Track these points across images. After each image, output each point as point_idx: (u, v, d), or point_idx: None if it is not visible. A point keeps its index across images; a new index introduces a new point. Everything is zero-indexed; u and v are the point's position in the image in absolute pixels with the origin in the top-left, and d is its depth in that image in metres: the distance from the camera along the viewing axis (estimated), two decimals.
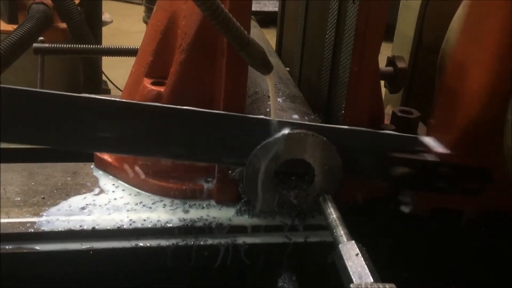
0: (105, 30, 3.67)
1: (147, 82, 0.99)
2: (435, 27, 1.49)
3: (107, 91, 3.87)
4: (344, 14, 0.94)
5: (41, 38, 1.65)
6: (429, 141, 0.95)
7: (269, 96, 1.03)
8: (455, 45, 0.95)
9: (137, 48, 1.67)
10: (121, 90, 4.09)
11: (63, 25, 3.12)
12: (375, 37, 0.89)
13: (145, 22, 4.41)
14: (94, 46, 1.66)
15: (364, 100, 0.93)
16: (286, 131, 0.89)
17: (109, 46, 1.57)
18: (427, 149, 0.93)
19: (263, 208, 0.94)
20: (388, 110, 1.67)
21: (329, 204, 0.90)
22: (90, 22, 3.21)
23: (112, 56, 1.63)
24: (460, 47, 0.93)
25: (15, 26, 3.07)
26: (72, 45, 1.53)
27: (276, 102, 1.00)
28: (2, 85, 0.83)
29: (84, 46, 1.55)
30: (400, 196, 0.96)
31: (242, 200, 0.96)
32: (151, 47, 1.01)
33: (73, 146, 0.90)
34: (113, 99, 0.88)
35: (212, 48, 0.91)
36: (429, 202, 0.96)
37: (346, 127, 0.91)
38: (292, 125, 0.90)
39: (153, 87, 0.97)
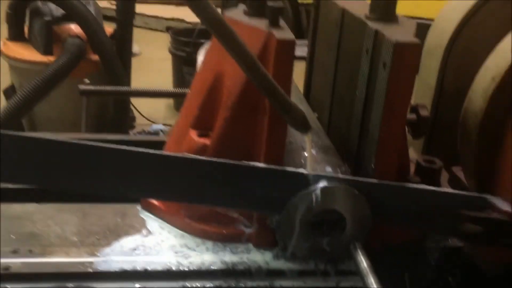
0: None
1: (193, 134, 1.09)
2: (456, 78, 1.57)
3: (133, 119, 4.01)
4: (374, 77, 1.03)
5: (87, 80, 1.77)
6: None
7: (303, 147, 1.12)
8: None
9: (171, 90, 1.79)
10: (144, 117, 4.22)
11: (96, 57, 3.28)
12: (404, 100, 0.98)
13: (171, 52, 4.57)
14: (134, 89, 1.78)
15: (393, 156, 1.02)
16: (321, 184, 0.98)
17: (147, 89, 1.69)
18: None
19: (297, 253, 1.02)
20: (411, 153, 1.76)
21: (359, 252, 0.98)
22: (121, 54, 3.36)
23: (148, 98, 1.75)
24: None
25: (50, 57, 3.24)
26: (115, 88, 1.65)
27: (312, 155, 1.08)
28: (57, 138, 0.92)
29: (125, 88, 1.67)
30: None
31: (279, 246, 1.04)
32: (197, 101, 1.11)
33: (125, 194, 1.00)
34: (162, 152, 0.98)
35: (255, 107, 1.01)
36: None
37: (376, 181, 1.00)
38: (326, 178, 0.99)
39: (200, 139, 1.07)
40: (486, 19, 1.57)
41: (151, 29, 7.13)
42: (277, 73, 0.93)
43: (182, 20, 6.86)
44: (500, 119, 1.03)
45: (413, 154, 1.75)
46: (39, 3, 3.27)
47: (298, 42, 1.99)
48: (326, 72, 1.39)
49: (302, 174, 0.98)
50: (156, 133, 3.81)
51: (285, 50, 0.93)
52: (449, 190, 1.00)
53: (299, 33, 6.06)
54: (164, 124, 4.04)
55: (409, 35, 1.00)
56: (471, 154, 1.11)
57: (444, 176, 1.43)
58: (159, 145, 1.33)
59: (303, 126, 0.93)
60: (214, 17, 0.76)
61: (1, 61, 3.47)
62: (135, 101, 3.94)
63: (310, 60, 1.68)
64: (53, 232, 1.06)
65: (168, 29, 6.93)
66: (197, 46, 4.23)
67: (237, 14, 1.07)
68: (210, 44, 1.17)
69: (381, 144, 1.00)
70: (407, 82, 0.97)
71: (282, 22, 1.01)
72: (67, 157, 0.92)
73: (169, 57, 4.67)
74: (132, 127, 3.96)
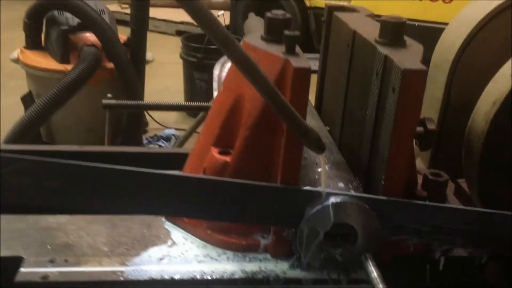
0: None
1: (214, 151, 1.17)
2: (462, 92, 1.64)
3: (146, 123, 4.11)
4: (384, 99, 1.11)
5: (109, 95, 1.85)
6: None
7: (316, 163, 1.20)
8: None
9: (191, 104, 1.87)
10: (156, 122, 4.29)
11: (110, 65, 3.37)
12: (412, 122, 1.05)
13: (182, 58, 4.66)
14: (154, 103, 1.86)
15: (402, 174, 1.09)
16: (334, 200, 1.06)
17: (167, 103, 1.77)
18: None
19: (312, 263, 1.10)
20: (418, 164, 1.82)
21: (370, 263, 1.06)
22: (135, 61, 3.45)
23: (168, 111, 1.83)
24: None
25: (66, 65, 3.34)
26: (136, 102, 1.73)
27: (325, 172, 1.16)
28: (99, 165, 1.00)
29: (146, 102, 1.76)
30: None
31: (295, 256, 1.12)
32: (218, 121, 1.19)
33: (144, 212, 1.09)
34: (187, 175, 1.06)
35: (273, 128, 1.09)
36: None
37: (385, 197, 1.08)
38: (339, 195, 1.06)
39: (221, 157, 1.15)
40: (491, 36, 1.64)
41: (161, 32, 7.22)
42: (293, 99, 1.01)
43: (192, 24, 6.95)
44: (501, 141, 1.11)
45: (421, 164, 1.83)
46: (56, 13, 3.37)
47: (310, 55, 2.07)
48: (338, 89, 1.47)
49: (317, 191, 1.06)
50: (168, 137, 3.90)
51: (302, 78, 1.01)
52: (449, 205, 1.08)
53: (308, 37, 6.13)
54: (175, 129, 4.13)
55: (416, 61, 1.07)
56: (474, 172, 1.19)
57: (451, 187, 1.50)
58: (179, 157, 1.42)
59: (318, 147, 1.01)
60: (242, 56, 0.84)
61: (18, 68, 3.57)
62: None
63: (322, 74, 1.75)
64: (86, 242, 1.15)
65: (178, 32, 7.04)
66: (208, 52, 4.32)
67: (255, 40, 1.15)
68: (229, 67, 1.25)
69: (390, 162, 1.08)
70: (415, 106, 1.05)
71: (298, 49, 1.09)
72: (97, 180, 1.00)
73: (179, 60, 4.76)
74: (145, 131, 4.06)
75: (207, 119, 1.27)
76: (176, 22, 7.26)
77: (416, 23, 5.62)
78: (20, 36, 3.77)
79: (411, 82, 1.02)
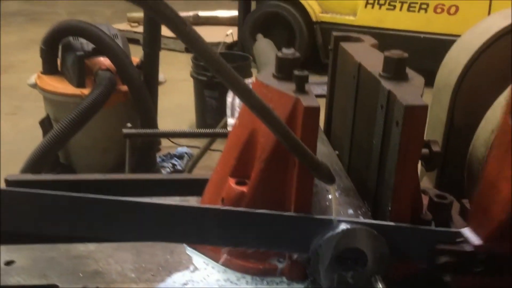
0: None
1: (232, 182, 1.26)
2: (465, 115, 1.72)
3: (158, 142, 4.21)
4: (388, 131, 1.19)
5: (129, 124, 1.95)
6: (467, 233, 1.16)
7: (327, 190, 1.28)
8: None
9: (208, 131, 1.97)
10: (170, 140, 4.39)
11: (125, 88, 3.48)
12: (415, 153, 1.13)
13: (192, 76, 4.77)
14: (173, 131, 1.96)
15: (407, 200, 1.17)
16: (345, 226, 1.14)
17: (185, 131, 1.87)
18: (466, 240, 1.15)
19: (325, 286, 1.18)
20: (425, 183, 1.89)
21: (380, 284, 1.14)
22: (148, 83, 3.56)
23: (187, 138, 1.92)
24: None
25: (83, 90, 3.46)
26: (155, 131, 1.83)
27: (335, 198, 1.24)
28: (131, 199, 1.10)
29: (163, 130, 1.86)
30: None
31: (309, 279, 1.20)
32: (234, 153, 1.28)
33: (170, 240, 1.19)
34: (205, 206, 1.15)
35: (285, 161, 1.17)
36: (468, 284, 1.17)
37: (393, 223, 1.15)
38: (349, 222, 1.14)
39: (238, 187, 1.24)
40: (491, 61, 1.72)
41: (170, 49, 7.35)
42: (304, 135, 1.09)
43: None
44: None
45: (427, 183, 1.90)
46: (71, 39, 3.50)
47: (318, 81, 2.14)
48: (345, 116, 1.55)
49: (328, 219, 1.14)
50: (181, 156, 4.00)
51: (311, 116, 1.09)
52: (453, 229, 1.16)
53: (314, 52, 6.23)
54: (188, 146, 4.23)
55: (418, 96, 1.15)
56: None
57: (456, 206, 1.57)
58: (197, 182, 1.50)
59: (329, 179, 1.10)
60: (257, 102, 0.93)
61: (34, 90, 3.70)
62: (160, 124, 4.13)
63: (330, 99, 1.83)
64: (114, 269, 1.24)
65: (187, 49, 7.17)
66: None
67: (267, 79, 1.24)
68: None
69: (396, 190, 1.16)
70: (417, 138, 1.13)
71: (307, 87, 1.17)
72: (121, 212, 1.10)
73: (189, 77, 4.88)
74: (158, 149, 4.16)
75: (224, 150, 1.36)
76: None
77: (422, 35, 5.72)
78: (33, 57, 3.89)
79: (413, 117, 1.10)
